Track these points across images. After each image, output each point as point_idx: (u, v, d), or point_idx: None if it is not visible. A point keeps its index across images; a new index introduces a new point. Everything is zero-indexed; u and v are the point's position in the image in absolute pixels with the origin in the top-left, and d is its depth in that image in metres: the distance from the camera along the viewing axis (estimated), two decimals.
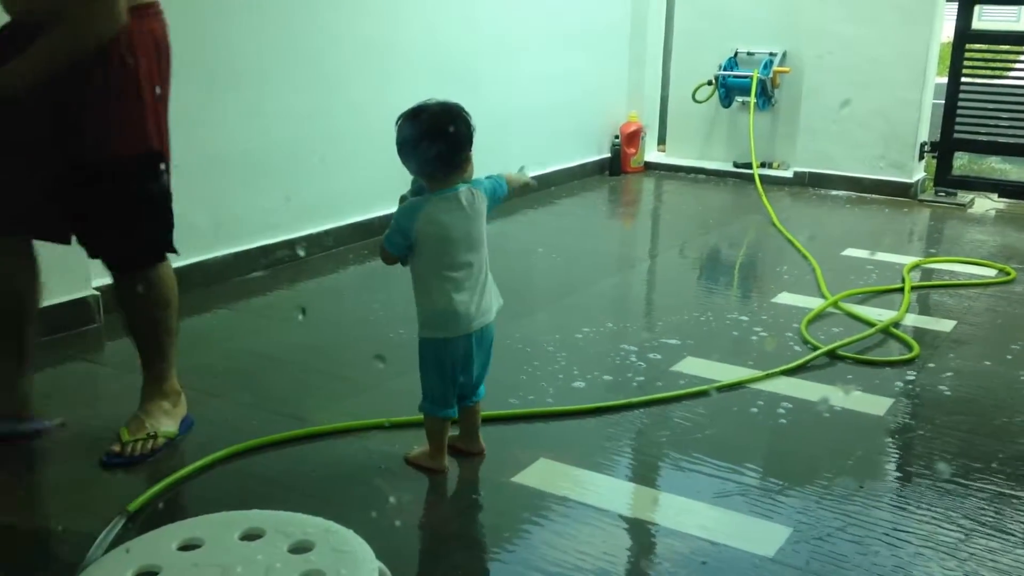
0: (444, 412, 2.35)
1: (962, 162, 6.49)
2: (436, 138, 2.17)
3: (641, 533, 2.22)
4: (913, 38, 5.57)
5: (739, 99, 6.20)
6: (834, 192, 5.85)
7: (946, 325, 3.55)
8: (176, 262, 3.70)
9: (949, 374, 3.08)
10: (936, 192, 5.77)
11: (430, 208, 2.21)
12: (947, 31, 5.85)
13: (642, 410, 2.77)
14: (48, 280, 3.17)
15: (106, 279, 3.37)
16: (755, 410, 2.80)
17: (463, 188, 2.24)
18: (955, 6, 5.62)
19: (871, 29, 5.63)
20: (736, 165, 6.22)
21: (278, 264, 4.07)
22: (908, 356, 3.19)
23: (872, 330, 3.40)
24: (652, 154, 6.60)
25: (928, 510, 2.27)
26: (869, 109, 5.70)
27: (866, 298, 3.83)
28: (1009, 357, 3.24)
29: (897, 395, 2.92)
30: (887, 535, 2.15)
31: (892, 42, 5.59)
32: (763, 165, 6.10)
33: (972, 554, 2.08)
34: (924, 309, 3.79)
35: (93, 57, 2.19)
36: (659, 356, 3.16)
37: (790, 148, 6.09)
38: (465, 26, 4.95)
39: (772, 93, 6.08)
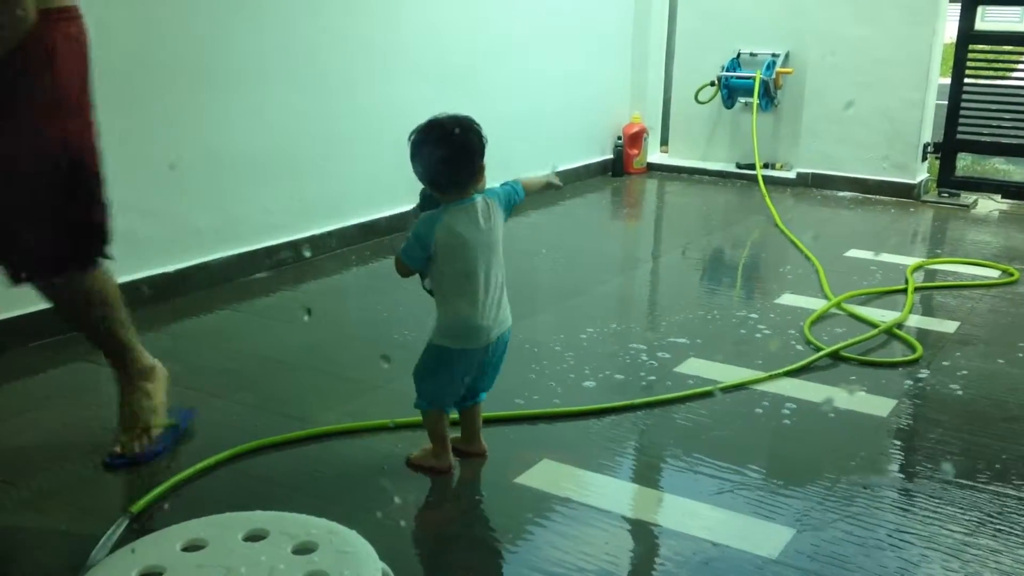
0: (437, 407, 2.36)
1: (965, 163, 6.48)
2: (450, 151, 2.19)
3: (644, 534, 2.22)
4: (916, 39, 5.56)
5: (742, 100, 6.19)
6: (837, 193, 5.85)
7: (949, 326, 3.55)
8: (179, 263, 3.76)
9: (953, 375, 3.08)
10: (939, 193, 5.76)
11: (448, 218, 2.22)
12: (950, 31, 5.85)
13: (645, 411, 2.77)
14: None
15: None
16: (758, 411, 2.80)
17: (479, 198, 2.25)
18: (958, 7, 5.61)
19: (874, 30, 5.62)
20: (739, 166, 6.22)
21: (281, 265, 4.08)
22: (911, 357, 3.19)
23: (875, 331, 3.39)
24: (655, 155, 6.59)
25: (932, 511, 2.26)
26: (872, 110, 5.70)
27: (869, 299, 3.83)
28: (1013, 358, 3.24)
29: (900, 396, 2.92)
30: (890, 536, 2.15)
31: (895, 43, 5.59)
32: (766, 166, 6.10)
33: (976, 555, 2.08)
34: (927, 310, 3.79)
35: (3, 60, 2.09)
36: (663, 357, 3.16)
37: (793, 149, 6.09)
38: (468, 28, 4.96)
39: (775, 94, 6.07)
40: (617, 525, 2.21)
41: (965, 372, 3.10)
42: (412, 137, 2.22)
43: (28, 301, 3.13)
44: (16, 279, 2.29)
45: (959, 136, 5.76)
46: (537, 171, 2.58)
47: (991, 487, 2.37)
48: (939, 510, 2.27)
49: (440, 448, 2.39)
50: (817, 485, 2.37)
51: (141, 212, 3.48)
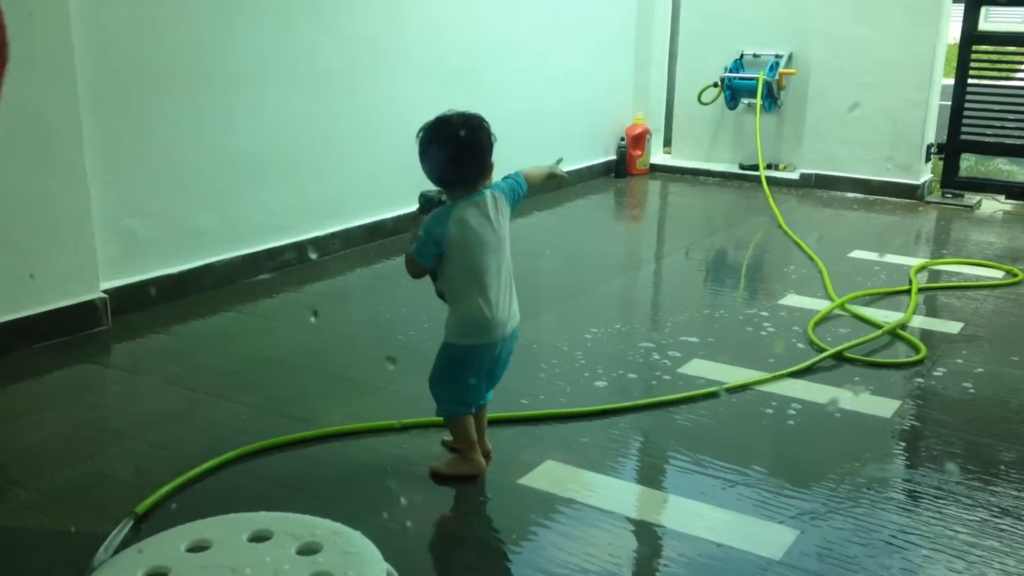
0: (466, 410, 2.35)
1: (969, 163, 6.47)
2: (459, 148, 2.20)
3: (648, 535, 2.22)
4: (919, 39, 5.56)
5: (745, 101, 6.19)
6: (841, 194, 5.85)
7: (953, 327, 3.54)
8: (184, 264, 3.76)
9: (957, 376, 3.07)
10: (943, 194, 5.76)
11: (458, 213, 2.22)
12: (954, 32, 5.84)
13: (649, 412, 2.77)
14: (56, 283, 3.20)
15: (114, 282, 3.40)
16: (762, 412, 2.79)
17: (487, 192, 2.26)
18: (962, 7, 5.61)
19: (877, 30, 5.62)
20: (742, 167, 6.22)
21: (285, 267, 4.08)
22: (915, 358, 3.19)
23: (879, 332, 3.39)
24: (658, 156, 6.60)
25: (936, 512, 2.26)
26: (876, 111, 5.69)
27: (873, 300, 3.83)
28: (1016, 359, 3.23)
29: (905, 397, 2.91)
30: (895, 537, 2.15)
31: (899, 43, 5.58)
32: (769, 167, 6.10)
33: (980, 556, 2.08)
34: (931, 311, 3.78)
35: None
36: (670, 356, 3.16)
37: (796, 150, 6.09)
38: (471, 28, 4.96)
39: (778, 95, 6.07)
40: (621, 526, 2.21)
41: (969, 373, 3.10)
42: (421, 134, 2.22)
43: (33, 303, 3.15)
44: None
45: (963, 137, 5.76)
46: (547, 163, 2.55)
47: (996, 487, 2.37)
48: (943, 511, 2.26)
49: (471, 449, 2.37)
50: (821, 486, 2.37)
51: (141, 212, 3.49)
